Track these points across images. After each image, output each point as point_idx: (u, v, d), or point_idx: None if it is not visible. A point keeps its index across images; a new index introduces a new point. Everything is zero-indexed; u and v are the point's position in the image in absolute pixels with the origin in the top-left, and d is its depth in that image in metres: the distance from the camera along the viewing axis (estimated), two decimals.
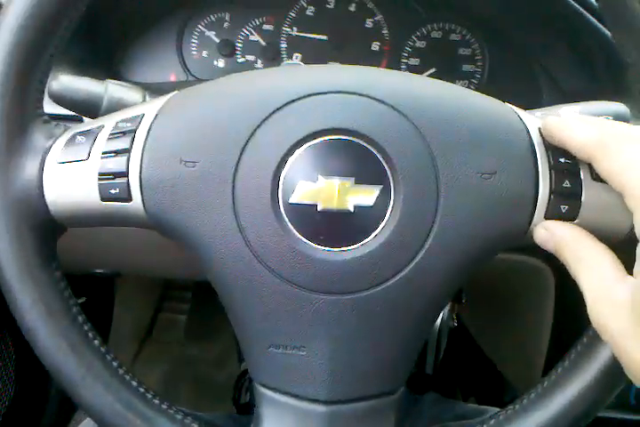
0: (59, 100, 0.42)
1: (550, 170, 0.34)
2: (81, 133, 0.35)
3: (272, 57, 0.68)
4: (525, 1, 0.61)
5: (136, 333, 1.10)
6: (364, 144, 0.33)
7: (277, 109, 0.34)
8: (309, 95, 0.34)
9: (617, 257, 0.31)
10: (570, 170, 0.34)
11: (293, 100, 0.34)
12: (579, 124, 0.32)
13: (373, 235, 0.33)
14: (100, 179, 0.34)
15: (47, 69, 0.36)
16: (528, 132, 0.34)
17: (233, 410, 0.92)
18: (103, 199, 0.34)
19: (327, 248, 0.33)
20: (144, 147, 0.34)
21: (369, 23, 0.67)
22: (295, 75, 0.37)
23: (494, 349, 0.87)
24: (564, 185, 0.33)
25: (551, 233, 0.33)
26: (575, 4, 0.56)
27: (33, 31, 0.34)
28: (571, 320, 0.65)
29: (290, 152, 0.33)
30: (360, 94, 0.34)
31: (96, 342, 0.34)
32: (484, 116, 0.35)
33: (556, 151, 0.34)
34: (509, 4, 0.63)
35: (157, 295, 1.11)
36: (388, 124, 0.33)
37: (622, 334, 0.28)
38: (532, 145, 0.34)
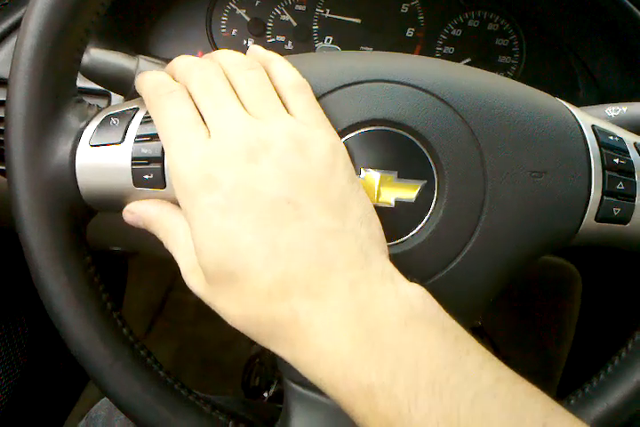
0: (89, 74, 0.41)
1: (603, 171, 0.33)
2: (115, 115, 0.34)
3: (303, 38, 0.66)
4: None
5: (147, 310, 1.10)
6: (409, 136, 0.32)
7: (320, 97, 0.33)
8: (352, 84, 0.33)
9: None
10: (624, 171, 0.32)
11: (335, 89, 0.33)
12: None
13: (414, 232, 0.32)
14: (133, 163, 0.33)
15: (82, 47, 0.35)
16: (582, 130, 0.33)
17: (238, 392, 0.92)
18: (136, 184, 0.33)
19: None
20: None
21: (404, 8, 0.65)
22: (337, 62, 0.35)
23: (512, 347, 0.86)
24: (617, 187, 0.32)
25: (138, 215, 0.34)
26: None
27: (68, 5, 0.32)
28: (597, 322, 0.64)
29: None
30: (406, 84, 0.33)
31: (125, 329, 0.33)
32: (536, 111, 0.33)
33: (610, 152, 0.33)
34: None
35: (170, 274, 1.11)
36: (435, 117, 0.32)
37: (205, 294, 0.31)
38: (586, 144, 0.33)
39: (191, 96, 0.32)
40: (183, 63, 0.33)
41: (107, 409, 0.50)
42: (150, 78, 0.33)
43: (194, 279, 0.31)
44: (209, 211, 0.29)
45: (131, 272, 1.04)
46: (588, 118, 0.34)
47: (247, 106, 0.31)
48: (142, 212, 0.33)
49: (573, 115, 0.34)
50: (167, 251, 0.33)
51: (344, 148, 0.31)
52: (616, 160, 0.33)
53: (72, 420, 0.91)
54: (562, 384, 0.75)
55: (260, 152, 0.29)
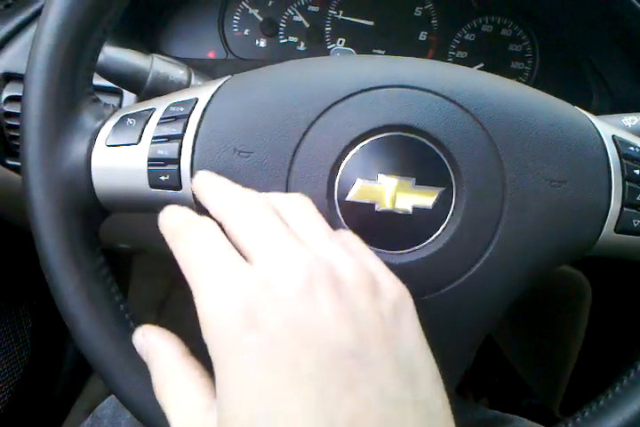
0: (102, 71, 0.41)
1: (624, 182, 0.32)
2: (131, 116, 0.34)
3: (315, 40, 0.66)
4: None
5: (151, 306, 1.10)
6: (428, 143, 0.32)
7: (338, 102, 0.32)
8: (373, 88, 0.33)
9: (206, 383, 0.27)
10: None
11: (356, 93, 0.32)
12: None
13: (431, 239, 0.32)
14: (149, 165, 0.32)
15: (99, 46, 0.35)
16: (602, 140, 0.33)
17: None
18: (152, 186, 0.33)
19: (381, 250, 0.32)
20: (196, 134, 0.32)
21: (418, 11, 0.65)
22: (359, 65, 0.35)
23: (517, 352, 0.86)
24: (637, 198, 0.32)
25: (146, 340, 0.29)
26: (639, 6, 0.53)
27: (87, 4, 0.32)
28: (607, 332, 0.64)
29: (348, 148, 0.32)
30: (426, 90, 0.33)
31: None
32: (557, 120, 0.33)
33: (630, 162, 0.32)
34: (567, 2, 0.60)
35: (174, 270, 1.11)
36: (454, 124, 0.32)
37: None
38: (606, 154, 0.33)
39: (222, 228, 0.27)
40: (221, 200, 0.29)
41: (113, 408, 0.49)
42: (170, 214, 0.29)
43: None
44: (246, 359, 0.22)
45: (135, 268, 1.04)
46: (607, 128, 0.34)
47: (296, 232, 0.26)
48: (150, 342, 0.29)
49: (593, 124, 0.34)
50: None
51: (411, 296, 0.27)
52: (637, 171, 0.33)
53: (74, 415, 0.91)
54: (568, 394, 0.75)
55: (320, 285, 0.23)
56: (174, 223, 0.28)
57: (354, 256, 0.26)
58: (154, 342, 0.29)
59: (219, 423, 0.23)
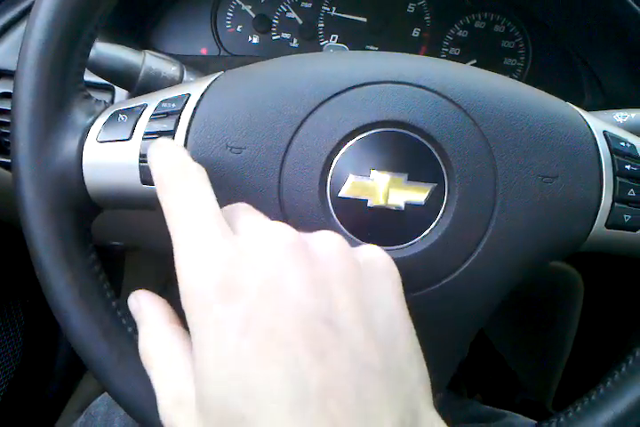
0: (94, 67, 0.41)
1: (615, 177, 0.33)
2: (123, 112, 0.33)
3: (308, 36, 0.65)
4: None
5: None
6: (420, 139, 0.32)
7: (330, 97, 0.32)
8: (365, 84, 0.33)
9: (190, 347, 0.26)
10: (635, 178, 0.33)
11: (348, 89, 0.32)
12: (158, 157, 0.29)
13: (423, 235, 0.32)
14: (141, 161, 0.32)
15: (91, 41, 0.34)
16: (593, 135, 0.33)
17: None
18: (144, 182, 0.32)
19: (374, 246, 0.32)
20: (188, 130, 0.32)
21: (411, 8, 0.65)
22: (351, 61, 0.35)
23: (510, 348, 0.86)
24: (628, 194, 0.32)
25: (139, 306, 0.30)
26: (635, 6, 0.54)
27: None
28: (598, 326, 0.64)
29: (341, 143, 0.32)
30: (418, 86, 0.33)
31: (130, 328, 0.33)
32: (548, 116, 0.33)
33: (621, 158, 0.33)
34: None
35: (168, 265, 1.10)
36: (447, 120, 0.32)
37: None
38: (597, 149, 0.33)
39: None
40: None
41: (106, 406, 0.49)
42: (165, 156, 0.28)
43: (178, 416, 0.24)
44: (224, 325, 0.23)
45: (127, 267, 1.04)
46: (599, 124, 0.34)
47: None
48: (143, 309, 0.29)
49: (585, 120, 0.34)
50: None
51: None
52: (627, 166, 0.33)
53: (68, 413, 0.91)
54: (561, 389, 0.76)
55: (295, 252, 0.24)
56: (165, 166, 0.28)
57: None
58: (144, 306, 0.29)
59: (195, 384, 0.24)
